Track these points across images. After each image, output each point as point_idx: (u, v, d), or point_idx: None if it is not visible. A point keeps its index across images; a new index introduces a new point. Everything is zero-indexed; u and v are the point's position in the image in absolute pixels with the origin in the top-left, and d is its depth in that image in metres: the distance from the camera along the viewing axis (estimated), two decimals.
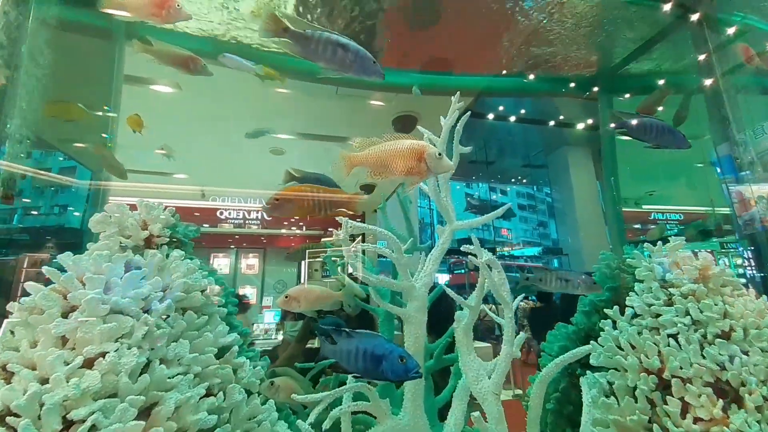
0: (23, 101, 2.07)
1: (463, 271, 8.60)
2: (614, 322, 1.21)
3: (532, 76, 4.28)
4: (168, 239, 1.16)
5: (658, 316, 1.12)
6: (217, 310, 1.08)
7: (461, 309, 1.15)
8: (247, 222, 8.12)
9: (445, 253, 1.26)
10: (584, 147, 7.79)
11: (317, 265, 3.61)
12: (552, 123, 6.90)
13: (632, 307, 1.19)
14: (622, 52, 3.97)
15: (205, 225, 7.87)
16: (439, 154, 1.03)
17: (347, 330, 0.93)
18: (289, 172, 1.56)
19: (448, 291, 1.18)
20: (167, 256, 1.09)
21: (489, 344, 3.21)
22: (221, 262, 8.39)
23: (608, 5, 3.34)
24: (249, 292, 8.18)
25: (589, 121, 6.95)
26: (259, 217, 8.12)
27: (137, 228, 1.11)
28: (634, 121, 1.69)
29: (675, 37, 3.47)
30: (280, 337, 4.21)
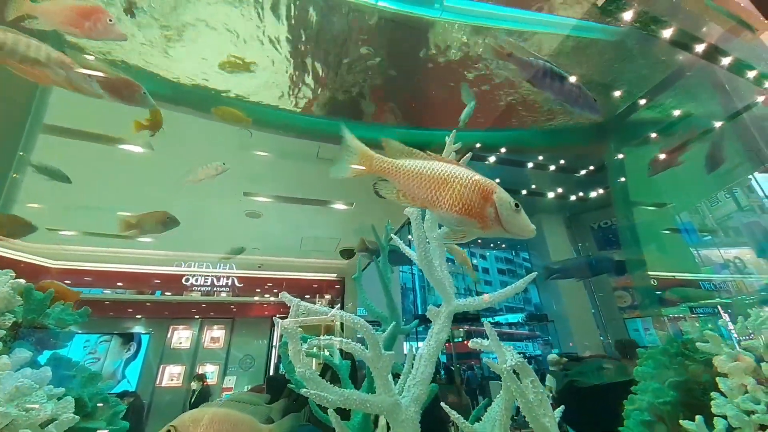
0: None
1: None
2: None
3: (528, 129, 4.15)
4: (15, 329, 0.74)
5: (765, 428, 0.82)
6: None
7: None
8: (216, 289, 7.53)
9: (443, 345, 0.94)
10: (556, 215, 8.17)
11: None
12: (524, 192, 7.23)
13: (723, 417, 0.87)
14: (627, 98, 3.60)
15: (167, 293, 7.23)
16: (517, 205, 0.77)
17: None
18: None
19: (451, 413, 0.79)
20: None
21: None
22: (182, 335, 7.52)
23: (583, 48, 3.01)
24: (210, 370, 7.24)
25: (559, 191, 7.37)
26: (229, 284, 7.58)
27: None
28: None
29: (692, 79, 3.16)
30: None
